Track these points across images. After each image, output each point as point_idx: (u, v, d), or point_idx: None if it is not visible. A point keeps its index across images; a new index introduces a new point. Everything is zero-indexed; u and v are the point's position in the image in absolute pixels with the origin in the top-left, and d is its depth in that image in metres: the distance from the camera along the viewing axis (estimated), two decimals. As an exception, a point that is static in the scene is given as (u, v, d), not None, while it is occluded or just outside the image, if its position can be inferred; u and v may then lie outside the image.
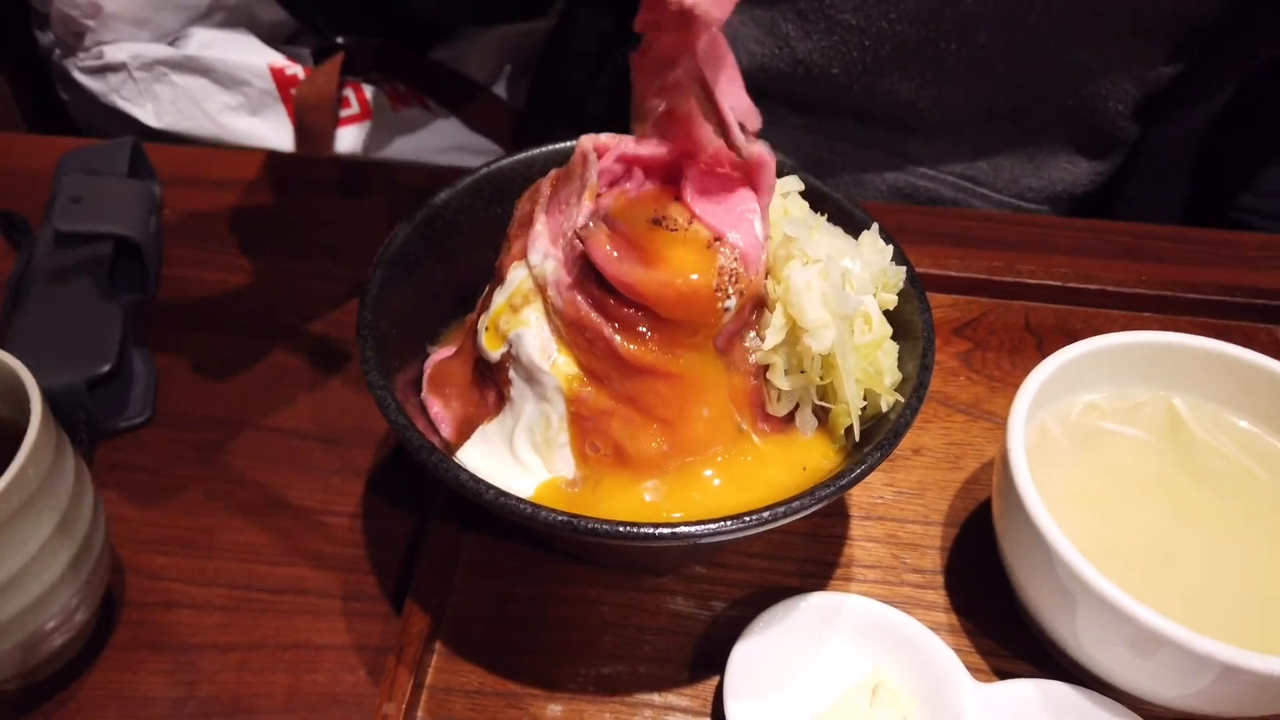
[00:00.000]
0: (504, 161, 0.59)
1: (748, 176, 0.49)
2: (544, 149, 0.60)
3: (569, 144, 0.58)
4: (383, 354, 0.50)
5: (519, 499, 0.44)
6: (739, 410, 0.51)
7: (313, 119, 1.11)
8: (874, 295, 0.52)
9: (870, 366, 0.50)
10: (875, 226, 0.55)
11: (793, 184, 0.56)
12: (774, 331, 0.49)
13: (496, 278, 0.53)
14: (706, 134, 0.48)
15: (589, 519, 0.43)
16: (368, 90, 1.14)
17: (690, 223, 0.49)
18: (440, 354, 0.56)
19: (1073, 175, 0.89)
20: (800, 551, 0.59)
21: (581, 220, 0.48)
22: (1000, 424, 0.61)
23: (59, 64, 1.16)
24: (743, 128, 0.46)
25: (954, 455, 0.64)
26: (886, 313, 0.53)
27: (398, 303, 0.53)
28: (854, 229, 0.55)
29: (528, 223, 0.52)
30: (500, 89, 1.22)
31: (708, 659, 0.53)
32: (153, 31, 1.13)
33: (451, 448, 0.52)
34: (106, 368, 0.62)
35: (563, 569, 0.57)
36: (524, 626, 0.55)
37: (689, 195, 0.50)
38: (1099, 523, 0.52)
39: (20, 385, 0.46)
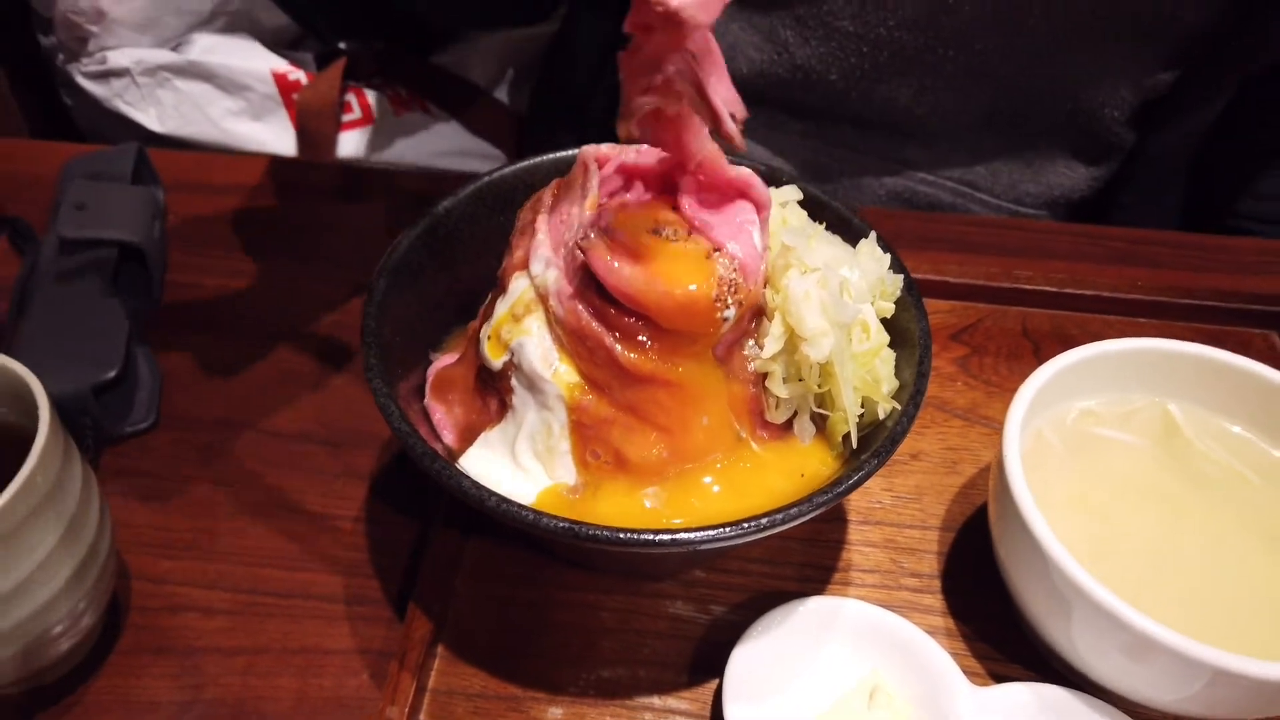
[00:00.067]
0: (506, 170, 0.60)
1: (742, 195, 0.50)
2: (546, 157, 0.60)
3: (571, 152, 0.58)
4: (386, 361, 0.50)
5: (521, 506, 0.44)
6: (738, 418, 0.51)
7: (315, 124, 1.11)
8: (872, 303, 0.52)
9: (868, 374, 0.51)
10: (873, 235, 0.55)
11: (791, 193, 0.56)
12: (773, 340, 0.50)
13: (499, 286, 0.53)
14: (695, 141, 0.48)
15: (590, 525, 0.43)
16: (370, 95, 1.14)
17: (690, 233, 0.49)
18: (443, 361, 0.57)
19: (1070, 181, 0.89)
20: (799, 556, 0.59)
21: (582, 231, 0.49)
22: (997, 429, 0.61)
23: (62, 69, 1.15)
24: (733, 117, 0.46)
25: (951, 460, 0.65)
26: (884, 320, 0.53)
27: (401, 310, 0.54)
28: (852, 237, 0.55)
29: (529, 231, 0.52)
30: (502, 93, 1.21)
31: (707, 663, 0.54)
32: (156, 37, 1.13)
33: (454, 454, 0.52)
34: (112, 373, 0.62)
35: (564, 574, 0.58)
36: (525, 631, 0.55)
37: (687, 206, 0.50)
38: (1094, 528, 0.52)
39: (28, 392, 0.46)
